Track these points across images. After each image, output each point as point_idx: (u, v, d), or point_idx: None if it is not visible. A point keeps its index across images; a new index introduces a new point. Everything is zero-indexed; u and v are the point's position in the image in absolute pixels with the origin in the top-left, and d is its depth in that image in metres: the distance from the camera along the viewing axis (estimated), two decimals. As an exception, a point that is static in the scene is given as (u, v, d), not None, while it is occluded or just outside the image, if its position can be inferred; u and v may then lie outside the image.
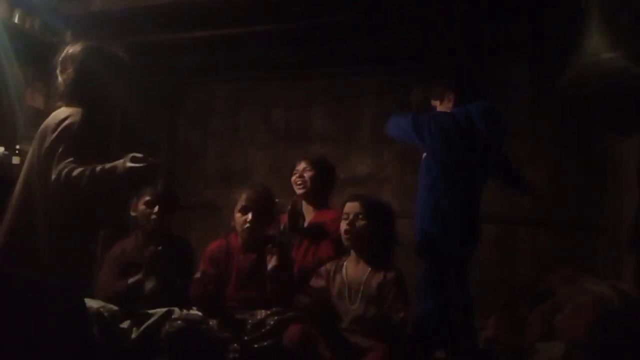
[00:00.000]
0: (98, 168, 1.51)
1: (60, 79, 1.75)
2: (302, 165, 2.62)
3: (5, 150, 2.74)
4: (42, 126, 1.73)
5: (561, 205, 3.22)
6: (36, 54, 2.93)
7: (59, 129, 1.63)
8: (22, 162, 2.76)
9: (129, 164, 1.52)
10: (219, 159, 4.15)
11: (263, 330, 2.09)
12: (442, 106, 2.48)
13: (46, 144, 1.64)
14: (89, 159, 1.57)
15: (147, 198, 2.45)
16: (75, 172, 1.51)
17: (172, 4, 2.96)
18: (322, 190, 2.63)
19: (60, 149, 1.59)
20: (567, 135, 3.27)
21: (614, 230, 2.96)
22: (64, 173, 1.52)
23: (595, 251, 3.09)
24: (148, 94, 3.80)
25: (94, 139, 1.64)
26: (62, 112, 1.70)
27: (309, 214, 2.63)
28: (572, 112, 3.18)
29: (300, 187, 2.59)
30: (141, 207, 2.47)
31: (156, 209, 2.44)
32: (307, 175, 2.59)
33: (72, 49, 1.76)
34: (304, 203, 2.65)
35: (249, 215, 2.29)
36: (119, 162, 1.54)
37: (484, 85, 2.63)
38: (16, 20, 2.84)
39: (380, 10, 2.93)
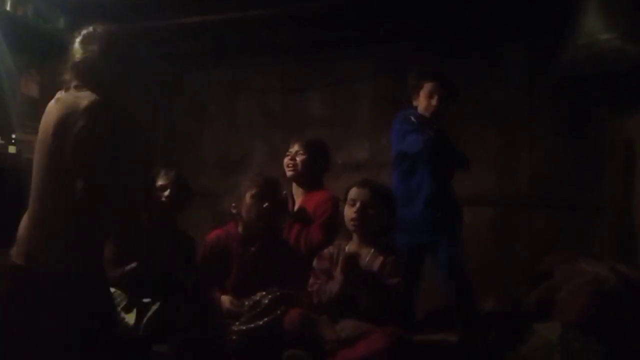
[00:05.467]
0: None
1: (79, 49, 1.68)
2: (295, 148, 2.61)
3: (2, 139, 2.73)
4: (63, 113, 1.61)
5: (558, 187, 3.24)
6: (30, 41, 2.91)
7: (86, 126, 1.56)
8: (18, 151, 2.75)
9: None
10: (216, 145, 4.14)
11: (258, 309, 2.10)
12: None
13: (73, 136, 1.56)
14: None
15: (160, 183, 2.42)
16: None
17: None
18: (313, 173, 2.62)
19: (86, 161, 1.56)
20: (564, 116, 3.27)
21: (612, 211, 2.99)
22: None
23: (593, 232, 3.11)
24: (144, 81, 3.78)
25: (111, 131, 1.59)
26: (81, 99, 1.61)
27: (298, 196, 2.63)
28: (569, 92, 3.18)
29: (291, 169, 2.59)
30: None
31: (167, 192, 2.40)
32: (299, 158, 2.58)
33: (99, 28, 1.71)
34: (294, 185, 2.65)
35: (266, 203, 2.29)
36: None
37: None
38: (8, 8, 2.81)
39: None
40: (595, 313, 2.00)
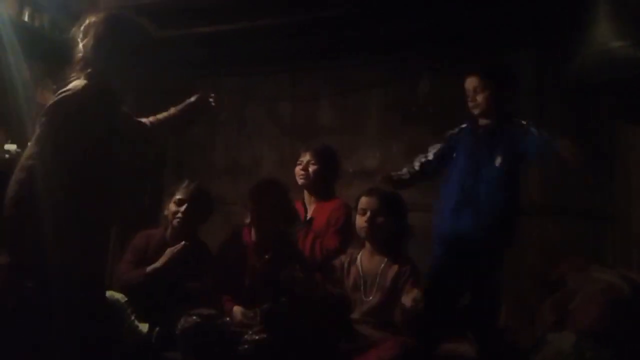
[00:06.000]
0: None
1: (80, 45, 1.71)
2: (306, 157, 2.63)
3: (18, 147, 2.77)
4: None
5: (570, 194, 3.22)
6: (46, 51, 2.94)
7: (48, 104, 1.61)
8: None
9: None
10: (226, 152, 4.16)
11: (271, 319, 2.10)
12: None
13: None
14: (69, 142, 1.56)
15: (178, 197, 2.44)
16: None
17: (178, 0, 2.97)
18: (325, 182, 2.65)
19: (39, 129, 1.58)
20: (576, 124, 3.25)
21: (624, 219, 2.97)
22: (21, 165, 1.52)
23: (605, 240, 3.09)
24: (155, 88, 3.82)
25: (87, 115, 1.59)
26: (67, 87, 1.65)
27: (311, 204, 2.65)
28: (580, 100, 3.17)
29: (303, 178, 2.61)
30: (171, 205, 2.45)
31: (183, 207, 2.42)
32: (311, 168, 2.61)
33: (94, 17, 1.72)
34: (305, 193, 2.67)
35: (255, 206, 2.31)
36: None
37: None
38: (26, 18, 2.85)
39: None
40: (609, 322, 2.00)
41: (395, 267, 2.15)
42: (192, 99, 1.98)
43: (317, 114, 3.91)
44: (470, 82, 2.28)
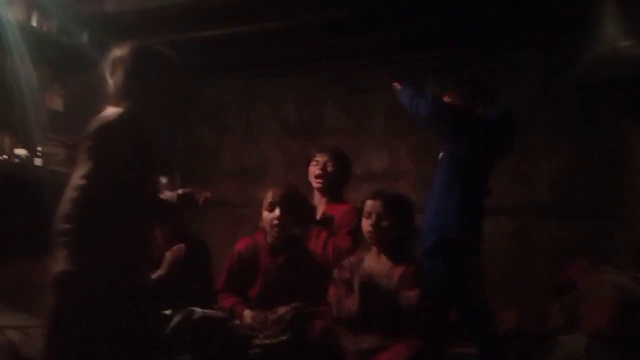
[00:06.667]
0: None
1: (109, 81, 1.75)
2: (324, 158, 2.62)
3: (28, 152, 2.78)
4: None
5: (578, 196, 3.21)
6: (54, 56, 2.96)
7: (91, 129, 1.66)
8: (44, 163, 2.81)
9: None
10: (233, 155, 4.17)
11: (282, 324, 2.10)
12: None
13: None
14: (112, 164, 1.63)
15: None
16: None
17: (184, 4, 2.98)
18: (339, 183, 2.65)
19: (82, 152, 1.64)
20: (583, 124, 3.24)
21: (632, 219, 2.95)
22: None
23: (614, 241, 3.07)
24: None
25: (126, 141, 1.66)
26: (106, 112, 1.71)
27: (321, 205, 2.64)
28: (587, 99, 3.16)
29: (320, 179, 2.60)
30: None
31: None
32: (329, 169, 2.60)
33: (120, 50, 1.76)
34: (317, 194, 2.66)
35: (277, 212, 2.30)
36: None
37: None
38: (34, 23, 2.87)
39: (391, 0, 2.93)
40: (620, 324, 1.98)
41: (401, 268, 2.14)
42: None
43: (324, 116, 3.92)
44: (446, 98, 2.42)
